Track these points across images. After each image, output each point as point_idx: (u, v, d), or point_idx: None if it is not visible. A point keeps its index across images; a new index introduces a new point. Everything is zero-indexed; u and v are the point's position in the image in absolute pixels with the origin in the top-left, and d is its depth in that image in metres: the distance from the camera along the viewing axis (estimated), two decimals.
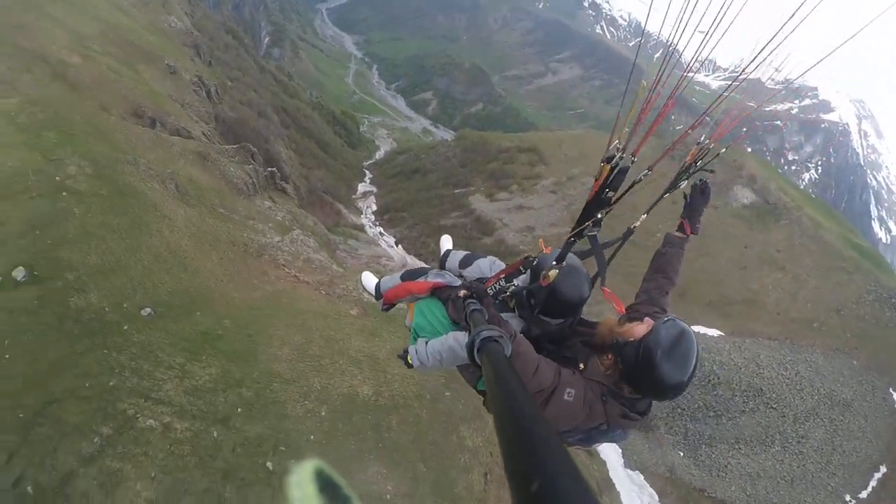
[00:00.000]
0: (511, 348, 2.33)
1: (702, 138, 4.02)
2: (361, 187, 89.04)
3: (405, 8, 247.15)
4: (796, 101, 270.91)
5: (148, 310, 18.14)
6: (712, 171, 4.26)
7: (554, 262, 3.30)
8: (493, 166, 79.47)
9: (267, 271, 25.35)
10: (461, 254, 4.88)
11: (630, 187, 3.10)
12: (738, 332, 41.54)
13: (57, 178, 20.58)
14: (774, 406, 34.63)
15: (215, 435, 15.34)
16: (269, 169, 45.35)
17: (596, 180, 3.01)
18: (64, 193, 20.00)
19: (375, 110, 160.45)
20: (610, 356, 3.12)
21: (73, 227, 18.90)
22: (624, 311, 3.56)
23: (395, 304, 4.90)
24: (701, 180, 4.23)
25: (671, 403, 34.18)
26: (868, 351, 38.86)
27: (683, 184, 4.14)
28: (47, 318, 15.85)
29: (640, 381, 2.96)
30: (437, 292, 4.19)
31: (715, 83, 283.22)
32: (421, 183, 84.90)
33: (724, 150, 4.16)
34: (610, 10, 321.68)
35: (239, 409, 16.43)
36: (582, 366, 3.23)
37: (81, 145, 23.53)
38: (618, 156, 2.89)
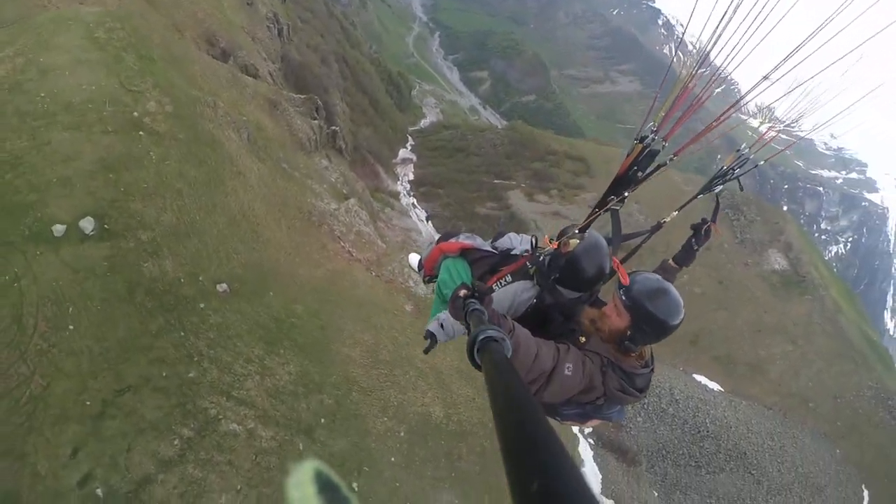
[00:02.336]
0: (511, 347, 2.31)
1: (742, 146, 4.06)
2: (402, 153, 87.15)
3: None
4: (843, 172, 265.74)
5: (223, 285, 16.47)
6: (742, 189, 4.65)
7: (576, 231, 3.39)
8: (538, 166, 77.87)
9: (326, 244, 23.55)
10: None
11: (656, 170, 3.32)
12: (738, 392, 42.26)
13: (135, 113, 18.54)
14: (753, 472, 35.51)
15: (301, 447, 14.25)
16: (332, 128, 43.45)
17: (628, 156, 3.26)
18: (141, 133, 17.99)
19: (428, 77, 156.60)
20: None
21: (149, 175, 16.96)
22: (627, 283, 3.33)
23: (435, 277, 4.84)
24: (704, 220, 4.24)
25: (658, 444, 35.26)
26: (852, 443, 40.00)
27: (719, 188, 4.20)
28: (117, 285, 14.04)
29: (646, 323, 3.06)
30: (466, 253, 4.43)
31: (770, 133, 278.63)
32: (462, 164, 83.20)
33: (762, 162, 4.17)
34: (682, 34, 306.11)
35: (322, 420, 15.29)
36: (584, 339, 3.32)
37: (162, 77, 21.38)
38: (650, 137, 3.15)
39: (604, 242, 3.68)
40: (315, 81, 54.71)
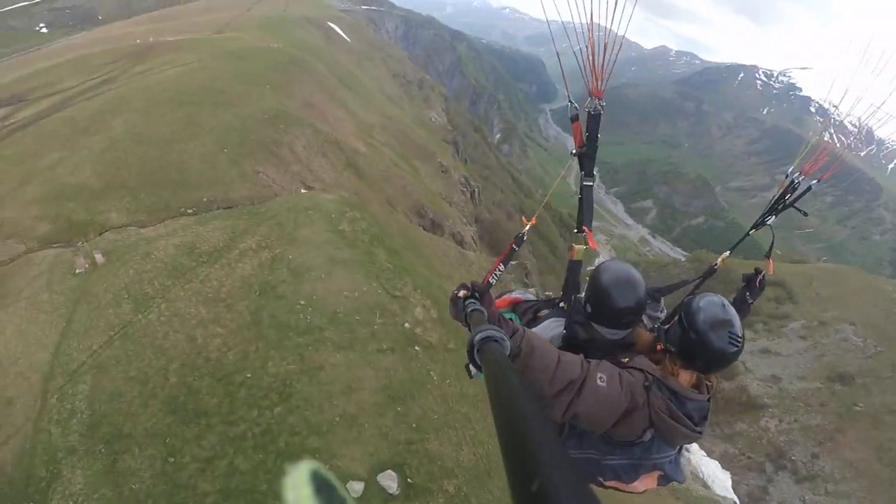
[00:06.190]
0: (510, 347, 1.97)
1: (790, 170, 4.04)
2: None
3: (627, 112, 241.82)
4: None
5: None
6: (805, 214, 4.36)
7: (575, 232, 3.56)
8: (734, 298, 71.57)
9: None
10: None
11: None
12: None
13: (406, 324, 16.78)
14: None
15: None
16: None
17: (575, 122, 3.48)
18: (417, 348, 16.05)
19: (594, 214, 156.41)
20: (658, 346, 3.05)
21: (436, 402, 14.70)
22: (595, 246, 3.56)
23: None
24: (757, 270, 4.08)
25: None
26: None
27: (771, 219, 4.21)
28: None
29: (694, 342, 2.81)
30: (516, 306, 4.32)
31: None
32: None
33: (815, 181, 4.08)
34: (838, 114, 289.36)
35: None
36: (626, 360, 3.04)
37: (416, 274, 20.06)
38: (593, 102, 3.40)
39: (637, 276, 3.25)
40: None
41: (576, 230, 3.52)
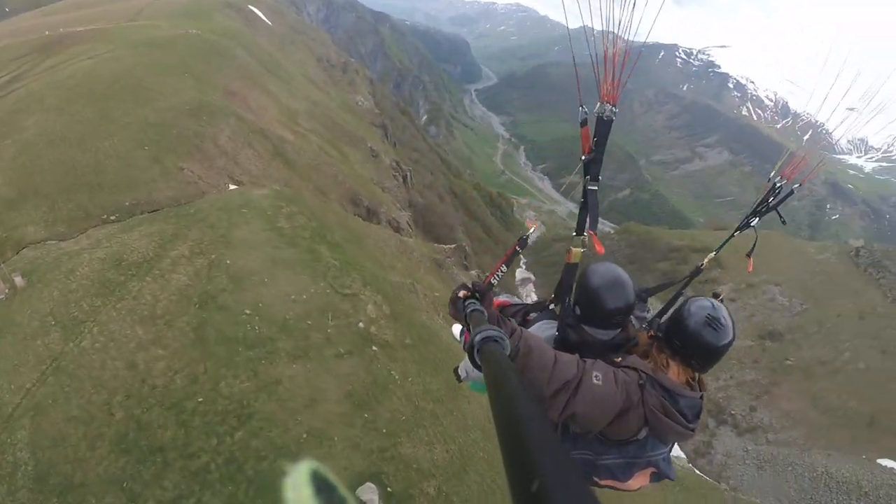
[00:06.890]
0: (510, 347, 2.00)
1: (772, 174, 4.14)
2: (519, 273, 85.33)
3: (550, 91, 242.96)
4: None
5: None
6: (784, 222, 4.72)
7: (573, 235, 3.42)
8: (663, 266, 72.11)
9: None
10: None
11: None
12: None
13: (360, 324, 16.07)
14: None
15: None
16: (485, 274, 42.18)
17: (584, 127, 3.30)
18: (374, 348, 15.45)
19: (522, 191, 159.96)
20: (650, 333, 3.16)
21: (401, 403, 14.26)
22: (602, 251, 3.46)
23: None
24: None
25: None
26: None
27: (755, 221, 4.35)
28: None
29: (687, 336, 2.90)
30: (504, 309, 4.22)
31: (869, 165, 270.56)
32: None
33: (797, 185, 4.23)
34: (755, 90, 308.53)
35: None
36: (619, 360, 3.08)
37: (363, 269, 19.31)
38: (604, 107, 3.15)
39: (625, 276, 3.26)
40: (441, 221, 54.88)
41: (574, 233, 3.40)
